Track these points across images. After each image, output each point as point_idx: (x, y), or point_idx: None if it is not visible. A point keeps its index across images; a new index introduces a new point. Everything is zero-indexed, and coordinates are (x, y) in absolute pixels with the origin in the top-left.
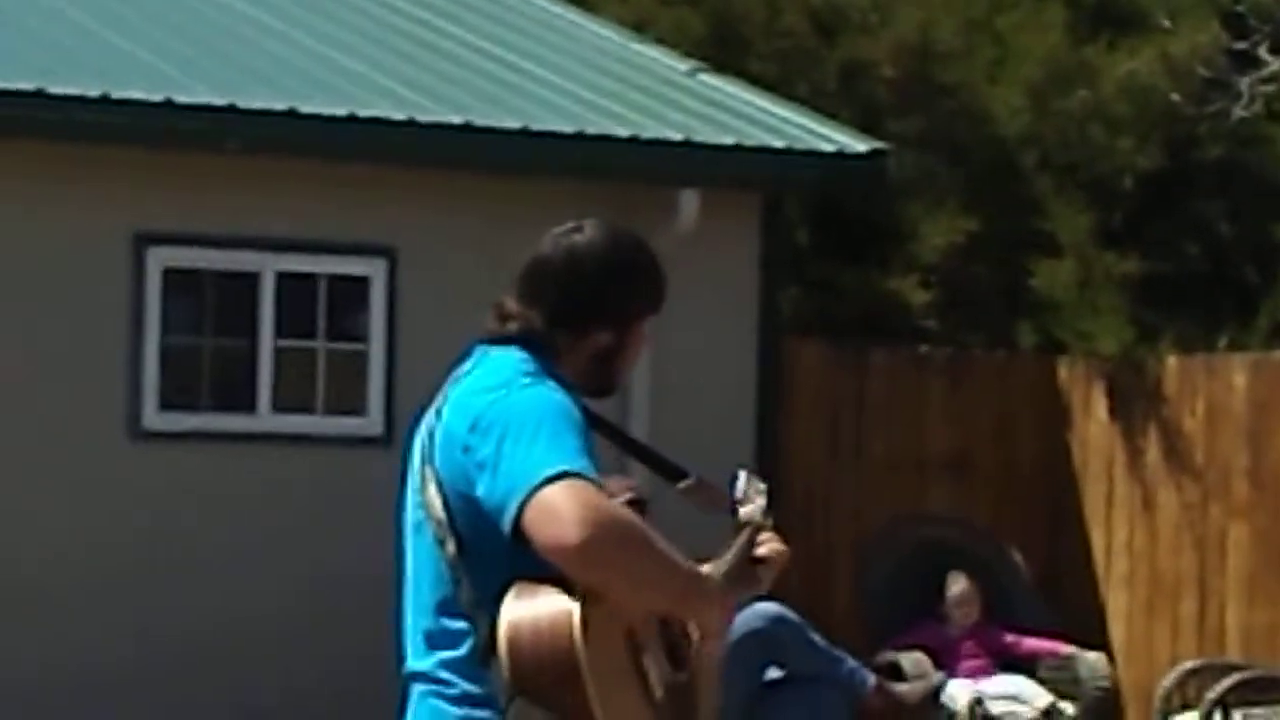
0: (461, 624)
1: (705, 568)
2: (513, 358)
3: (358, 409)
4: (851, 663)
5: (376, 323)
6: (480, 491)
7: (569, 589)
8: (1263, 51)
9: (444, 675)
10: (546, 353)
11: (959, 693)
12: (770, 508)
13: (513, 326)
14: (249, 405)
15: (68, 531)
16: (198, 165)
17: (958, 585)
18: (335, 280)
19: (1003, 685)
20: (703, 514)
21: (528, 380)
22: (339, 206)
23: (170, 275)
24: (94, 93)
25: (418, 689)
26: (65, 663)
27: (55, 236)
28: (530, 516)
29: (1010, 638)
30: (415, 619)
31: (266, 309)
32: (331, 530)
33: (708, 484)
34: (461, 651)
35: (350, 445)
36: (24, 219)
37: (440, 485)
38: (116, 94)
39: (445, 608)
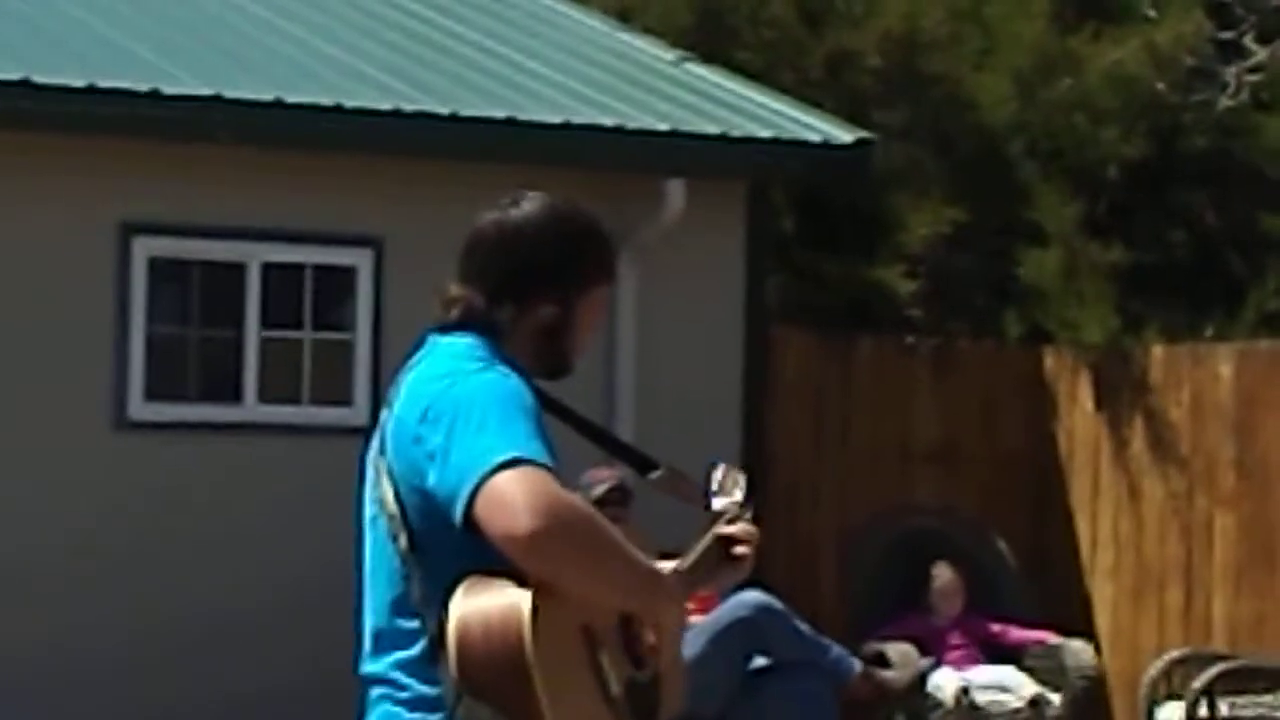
0: (414, 623)
1: (670, 564)
2: (462, 344)
3: (344, 399)
4: (837, 650)
5: (363, 313)
6: (431, 482)
7: (522, 584)
8: (1249, 41)
9: (397, 677)
10: (495, 335)
11: (945, 682)
12: (750, 500)
13: (455, 311)
14: (235, 395)
15: (52, 521)
16: (184, 155)
17: (942, 576)
18: (321, 270)
19: (989, 675)
20: (681, 505)
21: (477, 366)
22: (325, 197)
23: (156, 265)
24: (80, 82)
25: (373, 692)
26: (49, 652)
27: (41, 226)
28: (480, 505)
29: (996, 627)
30: (371, 619)
31: (253, 299)
32: (318, 520)
33: (680, 475)
34: (414, 652)
35: (336, 435)
36: (9, 208)
37: (393, 478)
38: (103, 84)
39: (398, 607)
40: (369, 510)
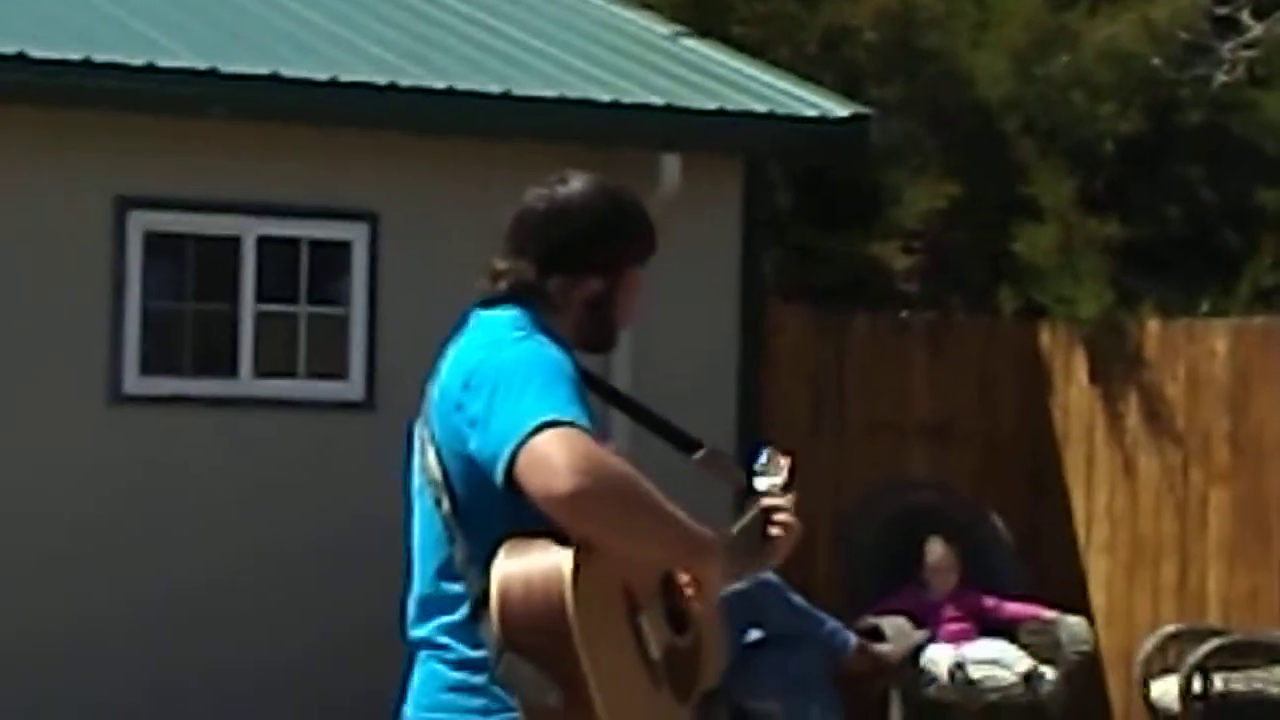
0: (458, 587)
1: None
2: (506, 316)
3: (339, 373)
4: (833, 624)
5: (358, 287)
6: (473, 447)
7: (563, 544)
8: (1245, 16)
9: (443, 640)
10: (540, 307)
11: (940, 657)
12: (792, 483)
13: (504, 284)
14: (230, 370)
15: (48, 495)
16: (179, 129)
17: (936, 551)
18: (317, 245)
19: (983, 650)
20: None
21: (519, 335)
22: (321, 171)
23: (151, 239)
24: (75, 56)
25: (420, 655)
26: (45, 626)
27: (36, 200)
28: (521, 465)
29: (991, 602)
30: (418, 586)
31: (248, 273)
32: (313, 494)
33: (722, 455)
34: (458, 616)
35: (332, 410)
36: (4, 183)
37: (436, 446)
38: (98, 58)
39: (443, 571)
40: (416, 481)
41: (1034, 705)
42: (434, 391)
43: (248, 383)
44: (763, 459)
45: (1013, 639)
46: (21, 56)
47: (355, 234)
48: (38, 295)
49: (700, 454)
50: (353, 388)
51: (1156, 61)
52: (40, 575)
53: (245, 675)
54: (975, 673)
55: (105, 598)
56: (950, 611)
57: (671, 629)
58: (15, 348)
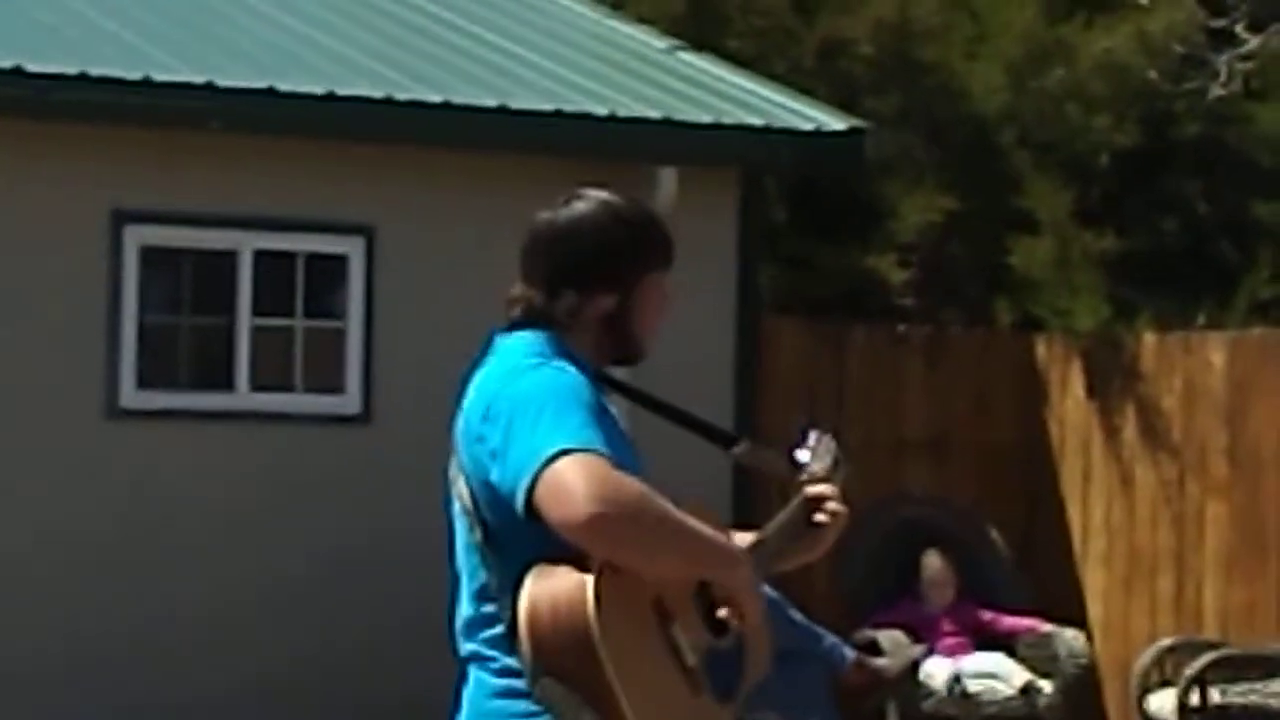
0: (494, 608)
1: (750, 535)
2: (522, 342)
3: (336, 387)
4: (831, 638)
5: (354, 301)
6: (495, 478)
7: (587, 567)
8: (1240, 29)
9: (487, 652)
10: (556, 329)
11: (937, 670)
12: (838, 468)
13: (516, 311)
14: (227, 383)
15: (44, 510)
16: (176, 143)
17: (932, 565)
18: (313, 258)
19: (981, 663)
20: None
21: (534, 363)
22: (317, 184)
23: (148, 253)
24: (72, 70)
25: (469, 668)
26: (42, 641)
27: (33, 214)
28: (540, 494)
29: (988, 615)
30: (463, 608)
31: (244, 287)
32: (310, 508)
33: (763, 446)
34: (499, 630)
35: (328, 423)
36: (1, 197)
37: (465, 475)
38: (94, 72)
39: (481, 595)
40: (455, 506)
41: (1031, 718)
42: (460, 422)
43: (244, 397)
44: (810, 441)
45: (1010, 652)
46: (18, 71)
47: (352, 248)
48: (34, 309)
49: (740, 448)
50: (349, 401)
51: (1152, 74)
52: (37, 589)
53: (244, 690)
54: (973, 686)
55: (101, 610)
56: (947, 625)
57: (711, 632)
58: (12, 361)
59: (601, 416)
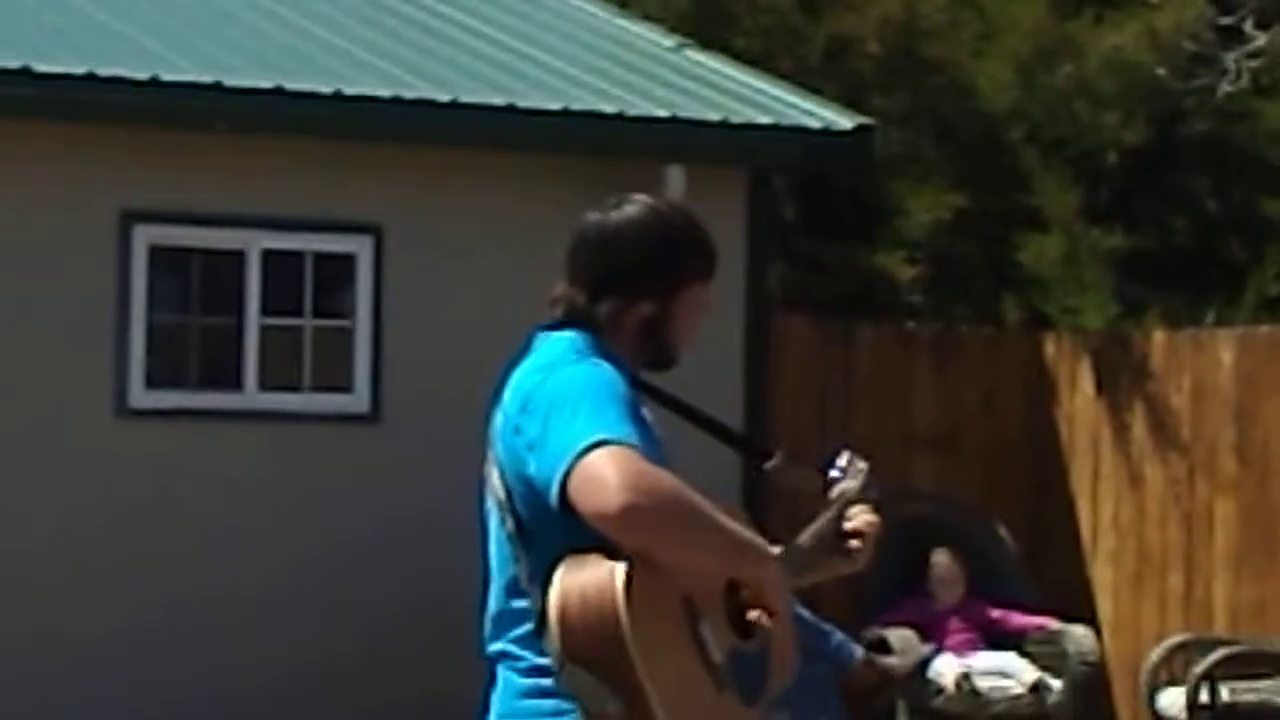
0: (524, 603)
1: (775, 547)
2: (564, 339)
3: (344, 386)
4: (839, 636)
5: (363, 300)
6: (531, 470)
7: (618, 558)
8: (1249, 26)
9: (515, 651)
10: (597, 331)
11: (946, 668)
12: (869, 487)
13: (558, 310)
14: (235, 383)
15: (54, 509)
16: (184, 143)
17: (941, 563)
18: (321, 257)
19: (990, 660)
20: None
21: (573, 359)
22: (325, 184)
23: (156, 253)
24: (80, 71)
25: (498, 668)
26: (52, 640)
27: (42, 214)
28: (573, 486)
29: (997, 613)
30: (492, 604)
31: (253, 286)
32: (319, 507)
33: (797, 462)
34: (527, 628)
35: (337, 422)
36: (10, 197)
37: (500, 468)
38: (103, 72)
39: (511, 589)
40: (489, 502)
41: (1040, 716)
42: (497, 415)
43: (253, 396)
44: (841, 462)
45: (1019, 650)
46: (26, 71)
47: (360, 247)
48: (43, 309)
49: (774, 463)
50: (358, 400)
51: (1161, 71)
52: (45, 588)
53: (250, 687)
54: (982, 684)
55: (111, 610)
56: (956, 622)
57: (737, 634)
58: (21, 361)
59: (637, 413)
